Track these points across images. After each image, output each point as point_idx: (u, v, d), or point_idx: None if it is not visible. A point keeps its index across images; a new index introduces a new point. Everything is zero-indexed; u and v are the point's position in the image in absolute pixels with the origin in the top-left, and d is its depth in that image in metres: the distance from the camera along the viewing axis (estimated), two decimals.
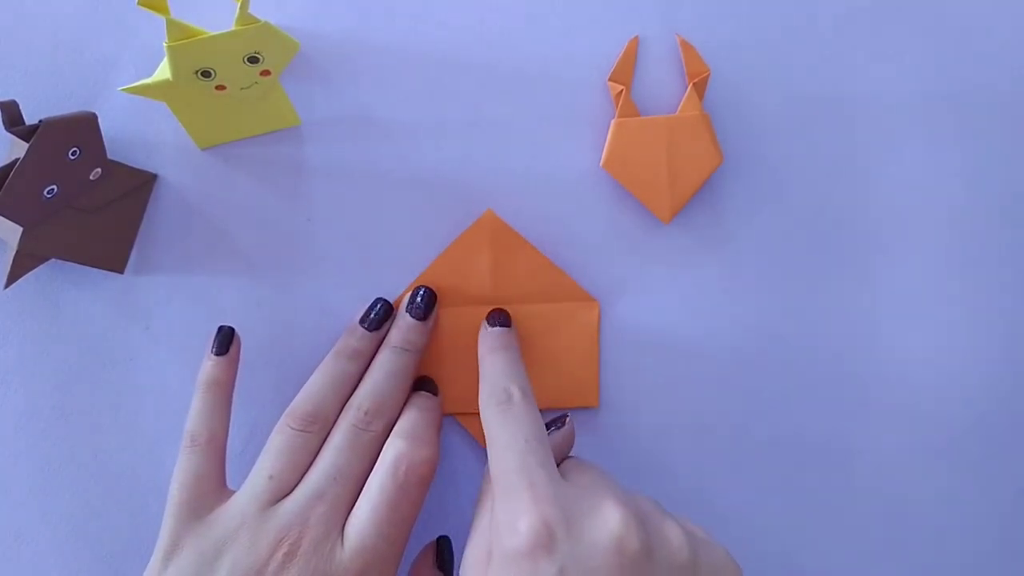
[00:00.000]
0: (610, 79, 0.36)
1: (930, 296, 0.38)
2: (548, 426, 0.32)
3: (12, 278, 0.34)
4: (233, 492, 0.32)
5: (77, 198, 0.34)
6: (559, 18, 0.37)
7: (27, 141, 0.30)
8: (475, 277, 0.37)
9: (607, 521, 0.26)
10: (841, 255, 0.38)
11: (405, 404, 0.35)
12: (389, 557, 0.31)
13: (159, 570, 0.30)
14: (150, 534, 0.32)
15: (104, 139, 0.33)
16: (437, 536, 0.35)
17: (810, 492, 0.39)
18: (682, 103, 0.36)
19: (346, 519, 0.31)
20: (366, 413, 0.33)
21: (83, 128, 0.32)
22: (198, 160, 0.37)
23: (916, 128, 0.37)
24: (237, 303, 0.37)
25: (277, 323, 0.37)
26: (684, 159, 0.36)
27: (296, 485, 0.32)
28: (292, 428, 0.33)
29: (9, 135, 0.31)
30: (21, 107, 0.31)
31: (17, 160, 0.30)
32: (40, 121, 0.31)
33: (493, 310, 0.36)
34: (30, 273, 0.34)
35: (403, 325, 0.35)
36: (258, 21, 0.31)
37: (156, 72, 0.34)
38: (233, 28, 0.31)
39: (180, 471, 0.32)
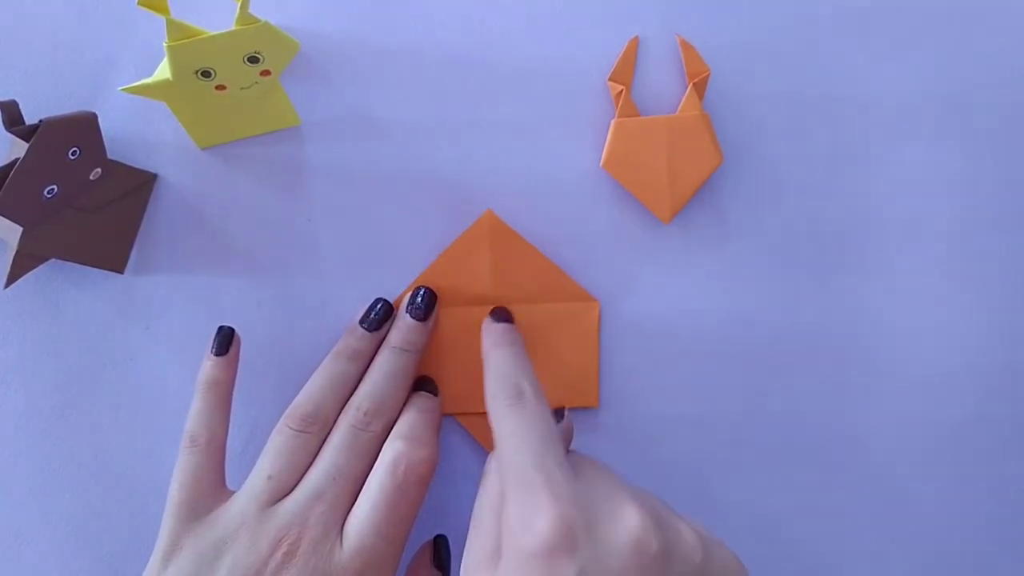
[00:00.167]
0: (610, 79, 0.36)
1: (930, 296, 0.38)
2: None
3: (12, 278, 0.34)
4: (233, 492, 0.32)
5: (77, 198, 0.34)
6: (559, 18, 0.37)
7: (27, 141, 0.30)
8: (475, 277, 0.37)
9: (627, 522, 0.26)
10: (841, 255, 0.38)
11: (405, 404, 0.35)
12: (388, 557, 0.31)
13: (159, 570, 0.30)
14: (150, 534, 0.32)
15: (104, 139, 0.33)
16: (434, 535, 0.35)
17: (810, 492, 0.39)
18: (682, 103, 0.36)
19: (345, 519, 0.31)
20: (365, 413, 0.33)
21: (83, 128, 0.32)
22: (198, 160, 0.37)
23: (916, 128, 0.37)
24: (237, 303, 0.37)
25: (277, 323, 0.37)
26: (684, 159, 0.36)
27: (296, 485, 0.32)
28: (291, 428, 0.33)
29: (9, 135, 0.31)
30: (21, 107, 0.31)
31: (17, 160, 0.30)
32: (40, 121, 0.31)
33: (496, 308, 0.36)
34: (30, 273, 0.34)
35: (403, 325, 0.35)
36: (258, 21, 0.31)
37: (156, 72, 0.34)
38: (233, 28, 0.31)
39: (180, 471, 0.32)
